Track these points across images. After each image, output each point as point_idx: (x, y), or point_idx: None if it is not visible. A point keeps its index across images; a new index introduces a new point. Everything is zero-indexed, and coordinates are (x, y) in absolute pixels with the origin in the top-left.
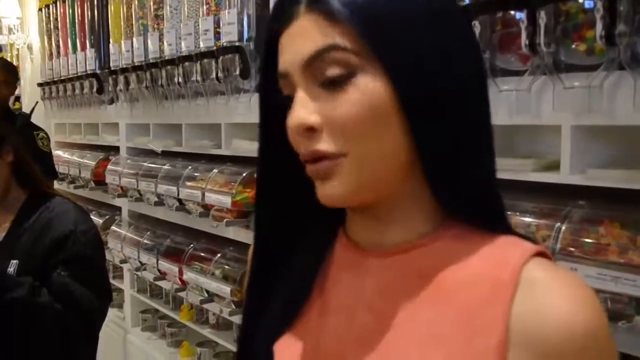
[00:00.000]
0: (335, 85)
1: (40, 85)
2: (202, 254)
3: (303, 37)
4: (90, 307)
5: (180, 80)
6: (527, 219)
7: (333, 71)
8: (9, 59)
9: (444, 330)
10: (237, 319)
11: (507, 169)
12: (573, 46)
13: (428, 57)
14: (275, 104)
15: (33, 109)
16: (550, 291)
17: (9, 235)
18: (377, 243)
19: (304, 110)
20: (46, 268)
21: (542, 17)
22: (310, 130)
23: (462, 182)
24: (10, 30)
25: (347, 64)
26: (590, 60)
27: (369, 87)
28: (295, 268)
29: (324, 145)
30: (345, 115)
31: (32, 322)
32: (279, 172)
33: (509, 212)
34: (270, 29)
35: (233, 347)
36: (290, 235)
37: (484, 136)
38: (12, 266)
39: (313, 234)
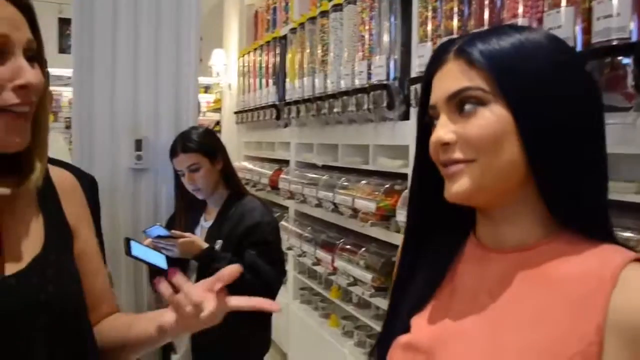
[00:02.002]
0: (470, 111)
1: (235, 113)
2: (350, 247)
3: (450, 78)
4: (271, 278)
5: (339, 110)
6: (627, 234)
7: (469, 102)
8: (214, 94)
9: (552, 314)
10: (375, 301)
11: (613, 190)
12: None
13: (545, 98)
14: (426, 125)
15: None
16: None
17: (216, 222)
18: (499, 242)
19: (443, 130)
20: (240, 248)
21: None
22: (446, 145)
23: (571, 199)
24: (217, 74)
25: (480, 98)
26: None
27: (495, 115)
28: (433, 260)
29: (458, 154)
30: (475, 133)
31: (231, 285)
32: (428, 182)
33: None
34: (428, 71)
35: (371, 322)
36: (431, 234)
37: (595, 162)
38: (218, 244)
39: (449, 235)
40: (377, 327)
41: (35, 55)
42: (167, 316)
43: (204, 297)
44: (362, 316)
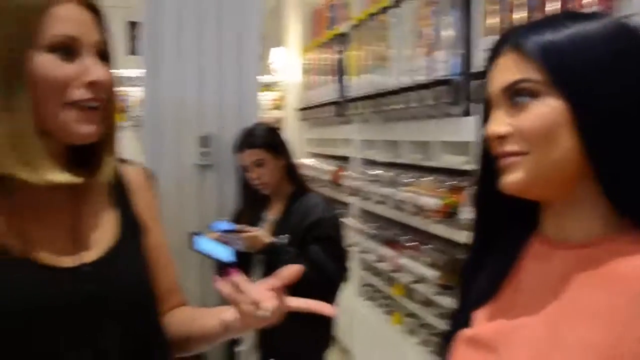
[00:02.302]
0: (523, 104)
1: (298, 110)
2: (414, 245)
3: (504, 70)
4: (333, 273)
5: (401, 106)
6: None
7: (523, 95)
8: (276, 92)
9: (611, 313)
10: (440, 299)
11: None
12: None
13: (602, 88)
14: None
15: None
16: None
17: (282, 217)
18: (562, 237)
19: (497, 123)
20: (304, 243)
21: None
22: (501, 137)
23: (636, 193)
24: (277, 72)
25: (533, 90)
26: None
27: (548, 107)
28: (500, 255)
29: (512, 146)
30: (529, 126)
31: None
32: (493, 178)
33: None
34: (488, 64)
35: (435, 321)
36: (498, 230)
37: None
38: (284, 239)
39: (516, 231)
40: (442, 325)
41: (105, 55)
42: (229, 313)
43: (263, 295)
44: (426, 314)
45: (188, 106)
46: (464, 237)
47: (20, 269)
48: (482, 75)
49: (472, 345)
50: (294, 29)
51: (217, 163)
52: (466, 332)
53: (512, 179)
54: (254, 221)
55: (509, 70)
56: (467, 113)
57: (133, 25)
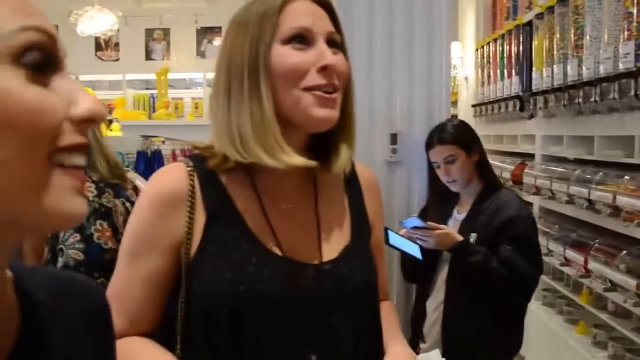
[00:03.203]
0: None
1: (473, 106)
2: (608, 249)
3: None
4: (527, 275)
5: (597, 98)
6: None
7: None
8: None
9: None
10: (638, 310)
11: None
12: None
13: None
14: None
15: None
16: None
17: (470, 215)
18: None
19: None
20: (496, 242)
21: None
22: None
23: None
24: (453, 66)
25: None
26: None
27: None
28: None
29: None
30: None
31: (485, 280)
32: None
33: None
34: None
35: (631, 335)
36: None
37: None
38: (472, 237)
39: None
40: (639, 339)
41: (338, 45)
42: None
43: None
44: (619, 326)
45: (378, 105)
46: None
47: (271, 262)
48: None
49: None
50: (470, 22)
51: (405, 160)
52: None
53: None
54: (443, 218)
55: None
56: None
57: None
